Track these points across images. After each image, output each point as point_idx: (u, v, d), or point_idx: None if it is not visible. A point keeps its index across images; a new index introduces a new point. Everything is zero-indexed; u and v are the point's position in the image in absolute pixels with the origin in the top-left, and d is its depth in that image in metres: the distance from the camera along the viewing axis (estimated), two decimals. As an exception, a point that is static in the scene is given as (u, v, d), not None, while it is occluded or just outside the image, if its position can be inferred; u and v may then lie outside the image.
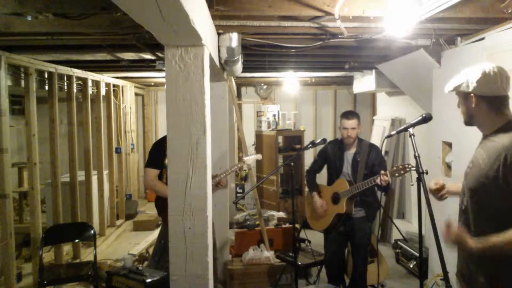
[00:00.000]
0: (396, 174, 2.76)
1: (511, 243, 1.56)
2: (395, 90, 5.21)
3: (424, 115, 2.13)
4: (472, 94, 1.71)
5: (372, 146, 3.39)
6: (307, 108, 8.03)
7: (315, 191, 3.49)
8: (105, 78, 5.71)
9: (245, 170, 7.74)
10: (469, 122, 1.81)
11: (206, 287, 1.94)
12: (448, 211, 3.24)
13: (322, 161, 3.57)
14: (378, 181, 2.86)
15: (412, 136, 2.10)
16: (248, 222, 4.54)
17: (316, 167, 3.60)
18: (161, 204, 3.31)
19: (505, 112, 1.72)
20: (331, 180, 3.46)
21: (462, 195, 1.83)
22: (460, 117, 1.87)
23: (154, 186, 3.18)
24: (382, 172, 2.85)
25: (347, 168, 3.37)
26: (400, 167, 2.73)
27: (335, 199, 3.33)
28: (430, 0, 2.22)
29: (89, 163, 5.17)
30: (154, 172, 3.17)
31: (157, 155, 3.16)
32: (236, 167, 3.60)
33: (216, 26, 2.73)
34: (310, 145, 3.30)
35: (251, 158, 3.59)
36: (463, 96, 1.77)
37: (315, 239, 4.17)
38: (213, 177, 3.47)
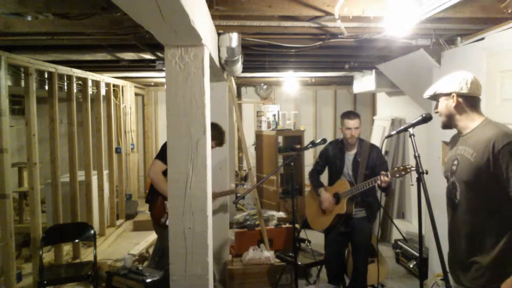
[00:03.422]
0: (397, 175, 2.76)
1: None
2: (395, 90, 5.21)
3: (424, 115, 2.13)
4: (453, 94, 1.89)
5: (373, 147, 3.38)
6: (307, 108, 8.03)
7: (321, 187, 3.47)
8: (105, 78, 5.71)
9: (245, 170, 7.74)
10: (448, 124, 1.98)
11: (206, 287, 1.94)
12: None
13: (323, 162, 3.56)
14: (379, 182, 2.86)
15: (412, 136, 2.10)
16: (248, 222, 4.53)
17: (318, 168, 3.59)
18: (153, 200, 3.34)
19: (480, 112, 1.92)
20: (332, 181, 3.45)
21: (453, 190, 1.95)
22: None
23: (156, 179, 3.21)
24: (383, 173, 2.85)
25: (347, 168, 3.36)
26: (402, 168, 2.73)
27: (336, 199, 3.33)
28: (430, 0, 2.22)
29: (89, 163, 5.17)
30: (161, 166, 3.19)
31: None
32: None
33: (216, 26, 2.73)
34: (310, 145, 3.30)
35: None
36: (444, 97, 1.94)
37: (315, 239, 4.17)
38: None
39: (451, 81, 1.92)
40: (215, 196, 3.61)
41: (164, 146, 3.31)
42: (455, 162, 1.94)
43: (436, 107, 2.00)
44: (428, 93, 2.01)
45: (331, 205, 3.34)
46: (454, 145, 2.01)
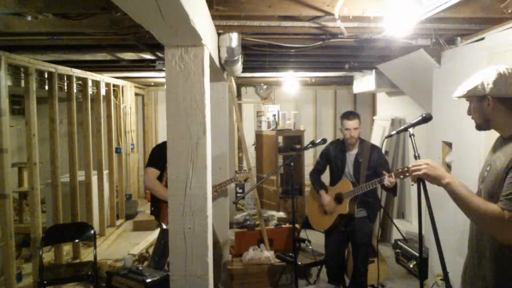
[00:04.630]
0: (401, 176, 2.76)
1: (481, 212, 1.53)
2: (395, 90, 5.21)
3: (424, 115, 2.12)
4: (488, 96, 1.61)
5: (374, 147, 3.39)
6: (307, 108, 8.03)
7: (323, 189, 3.47)
8: (105, 78, 5.71)
9: (245, 170, 7.73)
10: (484, 126, 1.71)
11: (206, 287, 1.94)
12: (450, 209, 3.25)
13: (324, 162, 3.57)
14: (385, 182, 2.85)
15: (412, 136, 2.09)
16: (248, 222, 4.54)
17: (319, 168, 3.60)
18: (156, 209, 3.35)
19: None
20: (333, 181, 3.46)
21: None
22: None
23: (153, 187, 3.22)
24: (387, 174, 2.84)
25: (349, 168, 3.37)
26: (406, 169, 2.73)
27: (338, 199, 3.33)
28: (430, 0, 2.22)
29: (89, 163, 5.17)
30: (154, 173, 3.21)
31: (158, 156, 3.19)
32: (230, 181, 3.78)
33: (216, 26, 2.73)
34: (310, 145, 3.30)
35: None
36: (478, 100, 1.66)
37: (315, 239, 4.17)
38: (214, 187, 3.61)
39: (485, 80, 1.60)
40: (215, 190, 3.61)
41: (154, 152, 3.36)
42: (488, 168, 1.68)
43: (469, 110, 1.72)
44: (457, 93, 1.71)
45: (330, 208, 3.35)
46: (495, 149, 1.71)
